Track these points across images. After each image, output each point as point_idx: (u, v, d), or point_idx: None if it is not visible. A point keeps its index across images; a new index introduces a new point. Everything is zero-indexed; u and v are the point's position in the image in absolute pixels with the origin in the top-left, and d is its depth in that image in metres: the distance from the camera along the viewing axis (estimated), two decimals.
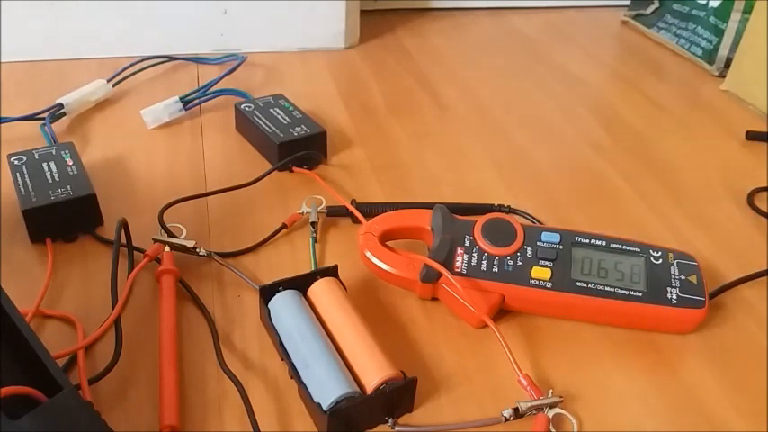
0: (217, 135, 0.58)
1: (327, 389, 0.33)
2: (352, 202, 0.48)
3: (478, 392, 0.36)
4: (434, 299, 0.41)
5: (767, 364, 0.39)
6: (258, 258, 0.44)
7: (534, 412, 0.34)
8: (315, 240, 0.45)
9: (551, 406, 0.35)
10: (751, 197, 0.53)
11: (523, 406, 0.34)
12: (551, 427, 0.34)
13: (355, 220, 0.47)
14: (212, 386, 0.36)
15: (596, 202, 0.52)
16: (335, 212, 0.48)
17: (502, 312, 0.41)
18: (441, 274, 0.39)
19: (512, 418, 0.34)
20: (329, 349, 0.35)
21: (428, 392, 0.36)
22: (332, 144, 0.56)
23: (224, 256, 0.44)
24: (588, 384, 0.37)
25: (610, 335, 0.40)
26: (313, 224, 0.46)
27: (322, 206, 0.48)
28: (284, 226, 0.46)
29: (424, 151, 0.57)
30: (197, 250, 0.42)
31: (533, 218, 0.49)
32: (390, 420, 0.34)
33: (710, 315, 0.41)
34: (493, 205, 0.50)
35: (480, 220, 0.42)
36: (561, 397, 0.35)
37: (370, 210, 0.48)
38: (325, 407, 0.32)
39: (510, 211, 0.49)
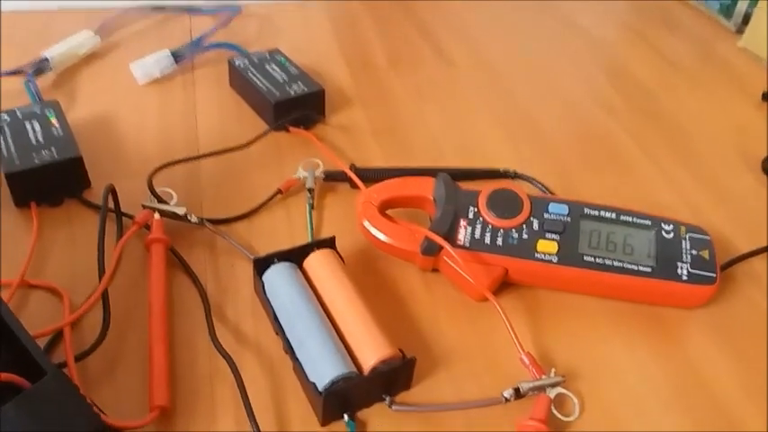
0: (210, 92, 0.55)
1: (323, 369, 0.32)
2: (351, 166, 0.46)
3: (478, 369, 0.35)
4: (435, 270, 0.40)
5: None
6: (252, 225, 0.43)
7: (535, 392, 0.33)
8: (311, 207, 0.44)
9: (553, 386, 0.34)
10: (765, 163, 0.51)
11: (524, 386, 0.33)
12: (553, 408, 0.33)
13: (354, 186, 0.45)
14: (204, 362, 0.34)
15: (605, 167, 0.50)
16: (333, 177, 0.46)
17: (504, 285, 0.39)
18: (442, 247, 0.38)
19: (512, 398, 0.33)
20: (325, 326, 0.34)
21: (427, 369, 0.35)
22: (330, 102, 0.54)
23: (216, 222, 0.42)
24: (591, 361, 0.36)
25: (615, 308, 0.39)
26: (310, 190, 0.44)
27: (319, 170, 0.46)
28: (279, 191, 0.44)
29: (427, 111, 0.55)
30: (188, 217, 0.41)
31: (540, 184, 0.47)
32: (387, 399, 0.33)
33: (719, 288, 0.40)
34: (498, 170, 0.48)
35: (485, 190, 0.40)
36: (563, 376, 0.34)
37: (370, 175, 0.46)
38: (320, 387, 0.31)
39: (516, 176, 0.48)
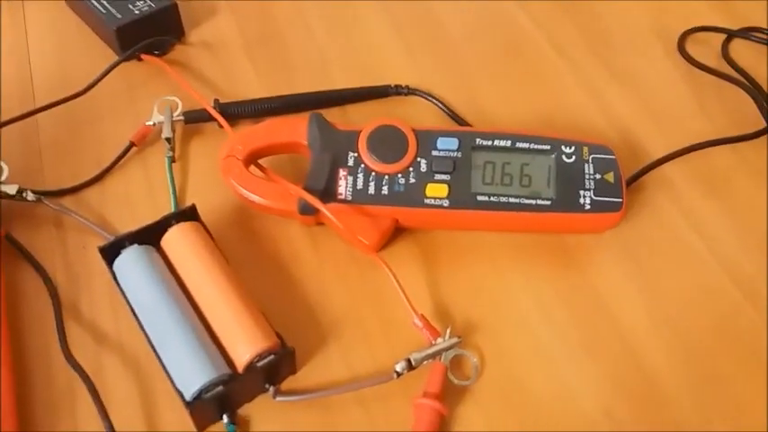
0: (44, 16, 0.46)
1: (189, 374, 0.28)
2: (215, 102, 0.39)
3: (371, 337, 0.33)
4: (321, 223, 0.36)
5: (684, 255, 0.36)
6: (104, 190, 0.37)
7: (431, 360, 0.31)
8: (172, 160, 0.38)
9: (448, 349, 0.31)
10: (682, 41, 0.46)
11: (417, 357, 0.30)
12: (450, 375, 0.31)
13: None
14: (61, 373, 0.30)
15: (509, 65, 0.44)
16: (196, 118, 0.39)
17: (398, 229, 0.36)
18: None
19: (405, 371, 0.30)
20: (189, 322, 0.30)
21: (315, 343, 0.32)
22: (191, 13, 0.46)
23: (60, 194, 0.36)
24: (492, 308, 0.34)
25: (516, 243, 0.36)
26: (168, 140, 0.38)
27: (178, 111, 0.39)
28: (132, 144, 0.38)
29: (310, 15, 0.47)
30: (23, 195, 0.35)
31: (436, 99, 0.41)
32: (271, 389, 0.30)
33: (629, 202, 0.37)
34: (389, 87, 0.42)
35: (365, 129, 0.35)
36: (459, 337, 0.32)
37: (238, 111, 0.40)
38: (187, 396, 0.28)
39: (409, 92, 0.42)
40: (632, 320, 0.33)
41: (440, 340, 0.31)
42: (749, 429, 0.30)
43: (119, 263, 0.31)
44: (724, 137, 0.40)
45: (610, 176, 0.35)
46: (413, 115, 0.41)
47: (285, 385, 0.31)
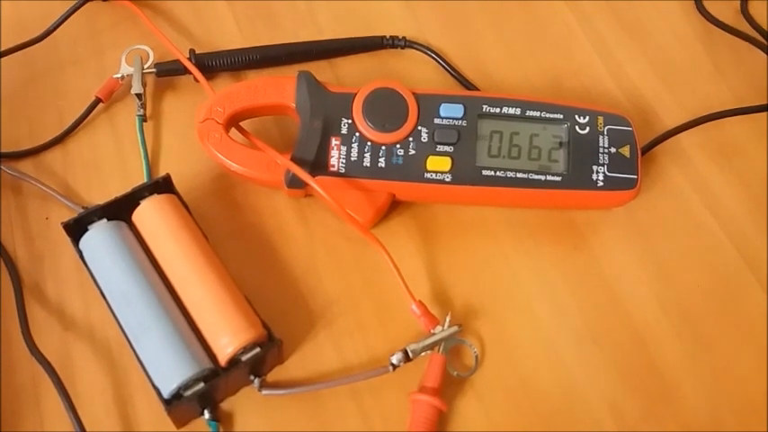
0: None
1: (167, 370, 0.26)
2: (191, 53, 0.35)
3: (366, 322, 0.30)
4: (309, 195, 0.33)
5: (697, 238, 0.34)
6: (68, 153, 0.33)
7: (428, 352, 0.29)
8: (143, 119, 0.34)
9: (448, 338, 0.29)
10: None
11: (414, 349, 0.28)
12: (449, 368, 0.29)
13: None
14: (23, 367, 0.28)
15: (514, 14, 0.40)
16: (169, 71, 0.35)
17: (393, 203, 0.33)
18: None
19: (401, 363, 0.28)
20: (165, 309, 0.27)
21: (304, 329, 0.30)
22: None
23: (18, 156, 0.32)
24: (493, 290, 0.31)
25: (520, 218, 0.33)
26: (138, 96, 0.34)
27: (149, 63, 0.35)
28: (98, 100, 0.34)
29: None
30: None
31: (435, 54, 0.38)
32: (257, 381, 0.28)
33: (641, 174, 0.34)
34: (384, 38, 0.38)
35: (361, 92, 0.31)
36: (459, 325, 0.29)
37: (216, 63, 0.36)
38: (165, 394, 0.26)
39: (406, 45, 0.38)
40: (642, 307, 0.31)
41: (439, 329, 0.29)
42: (762, 428, 0.29)
43: (86, 241, 0.28)
44: (743, 106, 0.37)
45: (625, 150, 0.32)
46: (410, 71, 0.38)
47: (272, 376, 0.29)
